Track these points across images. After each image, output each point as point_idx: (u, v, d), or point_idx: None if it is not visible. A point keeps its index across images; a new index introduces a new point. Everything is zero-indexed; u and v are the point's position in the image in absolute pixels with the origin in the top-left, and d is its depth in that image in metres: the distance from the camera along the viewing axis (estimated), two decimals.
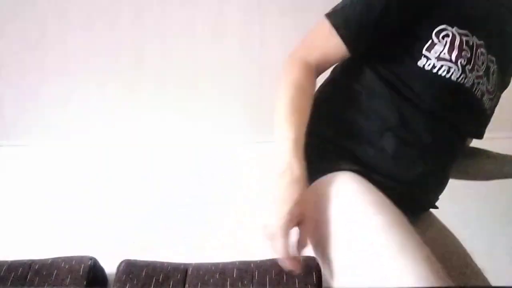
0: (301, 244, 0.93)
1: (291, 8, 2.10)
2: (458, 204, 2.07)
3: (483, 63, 1.03)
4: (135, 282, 1.90)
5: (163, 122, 2.38)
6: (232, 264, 1.96)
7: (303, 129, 0.96)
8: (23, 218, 2.25)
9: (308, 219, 0.91)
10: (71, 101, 2.35)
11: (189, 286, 1.89)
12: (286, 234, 0.89)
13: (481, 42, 1.01)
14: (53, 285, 1.87)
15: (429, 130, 1.00)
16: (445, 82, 0.97)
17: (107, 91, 2.32)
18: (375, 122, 1.01)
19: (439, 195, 1.14)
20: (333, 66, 1.12)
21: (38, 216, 2.25)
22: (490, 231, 2.07)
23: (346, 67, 1.10)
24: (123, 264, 1.97)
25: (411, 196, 1.03)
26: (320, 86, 1.15)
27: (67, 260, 1.97)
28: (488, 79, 1.05)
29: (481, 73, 1.02)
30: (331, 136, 1.05)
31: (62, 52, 2.24)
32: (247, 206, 2.23)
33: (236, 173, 2.31)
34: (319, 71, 1.05)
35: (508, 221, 2.11)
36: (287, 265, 0.91)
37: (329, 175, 0.97)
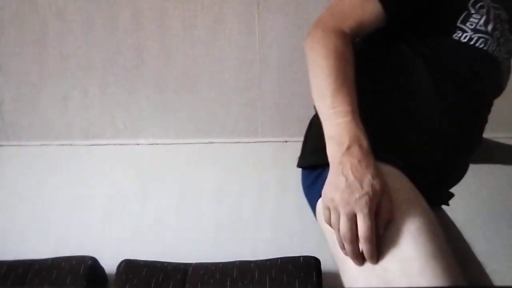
0: (386, 220, 0.76)
1: (290, 7, 2.09)
2: (458, 204, 2.07)
3: (510, 40, 1.01)
4: (135, 282, 1.90)
5: (162, 121, 2.38)
6: (232, 264, 1.96)
7: (356, 99, 0.86)
8: (23, 218, 2.25)
9: (388, 191, 0.78)
10: (71, 101, 2.35)
11: (189, 286, 1.89)
12: (372, 211, 0.74)
13: (508, 17, 0.99)
14: (53, 285, 1.87)
15: (464, 103, 0.97)
16: (482, 54, 0.94)
17: (107, 91, 2.32)
18: (411, 99, 0.96)
19: (458, 180, 1.10)
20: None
21: (38, 216, 2.25)
22: (490, 231, 2.07)
23: (378, 42, 1.03)
24: (123, 264, 1.97)
25: (439, 184, 1.00)
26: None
27: (67, 260, 1.97)
28: (509, 58, 1.03)
29: (510, 48, 1.00)
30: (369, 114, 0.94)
31: (62, 52, 2.24)
32: (247, 206, 2.23)
33: (236, 172, 2.31)
34: (353, 41, 0.95)
35: (508, 221, 2.11)
36: (353, 251, 0.77)
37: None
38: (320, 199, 0.87)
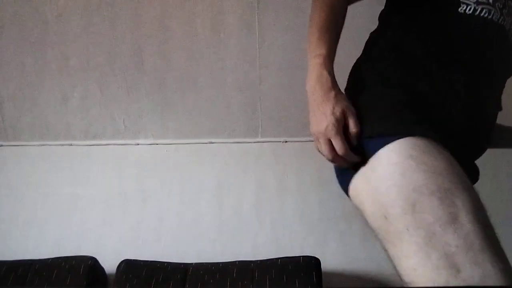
0: (354, 133, 0.91)
1: (290, 7, 2.09)
2: None
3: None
4: (135, 282, 1.90)
5: (162, 121, 2.38)
6: (232, 264, 1.96)
7: (335, 46, 1.01)
8: (23, 218, 2.25)
9: (349, 110, 0.92)
10: (71, 101, 2.35)
11: (189, 286, 1.89)
12: (339, 131, 0.90)
13: None
14: (53, 285, 1.87)
15: (479, 76, 0.98)
16: (489, 22, 0.97)
17: (107, 91, 2.32)
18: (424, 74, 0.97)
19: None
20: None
21: (38, 216, 2.25)
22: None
23: (385, 19, 1.12)
24: (123, 264, 1.97)
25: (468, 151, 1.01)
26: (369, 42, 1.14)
27: (67, 260, 1.97)
28: None
29: None
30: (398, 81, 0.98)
31: (62, 52, 2.24)
32: (247, 206, 2.23)
33: (236, 172, 2.31)
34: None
35: (508, 221, 2.11)
36: (343, 163, 0.92)
37: (406, 142, 0.84)
38: (353, 182, 0.91)
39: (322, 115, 0.92)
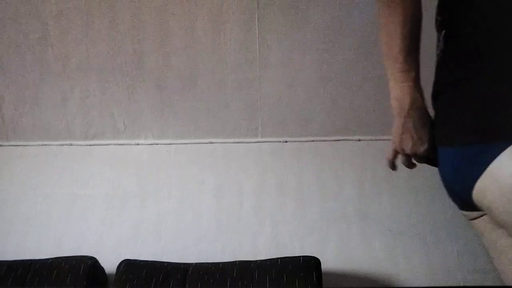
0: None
1: (290, 7, 2.09)
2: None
3: None
4: (135, 282, 1.90)
5: (162, 121, 2.38)
6: (232, 264, 1.96)
7: (418, 65, 1.03)
8: (23, 218, 2.25)
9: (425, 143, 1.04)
10: (71, 101, 2.35)
11: (189, 286, 1.89)
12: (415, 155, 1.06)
13: None
14: (53, 285, 1.87)
15: None
16: None
17: (107, 91, 2.32)
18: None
19: None
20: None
21: (38, 216, 2.25)
22: None
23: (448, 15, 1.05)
24: (123, 264, 1.97)
25: None
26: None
27: (67, 260, 1.97)
28: None
29: None
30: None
31: (62, 52, 2.24)
32: (247, 206, 2.23)
33: (236, 172, 2.31)
34: None
35: None
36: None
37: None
38: (478, 185, 0.93)
39: (419, 140, 1.03)
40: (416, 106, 1.02)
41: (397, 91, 1.03)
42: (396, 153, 1.08)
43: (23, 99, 2.36)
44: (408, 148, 1.04)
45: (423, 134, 1.02)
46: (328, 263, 2.02)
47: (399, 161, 1.09)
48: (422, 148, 1.03)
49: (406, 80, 1.02)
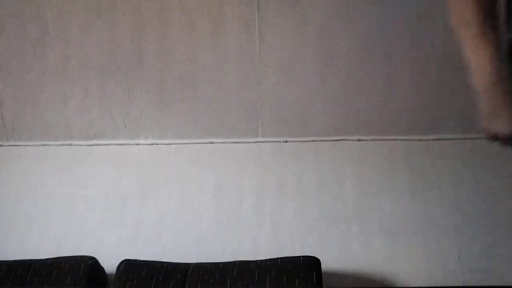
0: None
1: (290, 7, 2.10)
2: (459, 205, 2.07)
3: None
4: (135, 282, 1.90)
5: (162, 121, 2.38)
6: (232, 264, 1.96)
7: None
8: (23, 218, 2.25)
9: None
10: (71, 101, 2.35)
11: (189, 286, 1.89)
12: None
13: None
14: (53, 285, 1.87)
15: None
16: None
17: (107, 91, 2.32)
18: None
19: None
20: None
21: (38, 216, 2.25)
22: (490, 231, 2.07)
23: None
24: (123, 264, 1.97)
25: None
26: None
27: (67, 260, 1.97)
28: None
29: None
30: None
31: (62, 52, 2.24)
32: (247, 206, 2.23)
33: (236, 172, 2.31)
34: None
35: (508, 221, 2.11)
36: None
37: None
38: None
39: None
40: (501, 77, 0.90)
41: (476, 61, 0.91)
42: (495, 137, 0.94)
43: (23, 99, 2.36)
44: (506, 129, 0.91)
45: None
46: (328, 263, 2.02)
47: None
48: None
49: (485, 46, 0.90)
